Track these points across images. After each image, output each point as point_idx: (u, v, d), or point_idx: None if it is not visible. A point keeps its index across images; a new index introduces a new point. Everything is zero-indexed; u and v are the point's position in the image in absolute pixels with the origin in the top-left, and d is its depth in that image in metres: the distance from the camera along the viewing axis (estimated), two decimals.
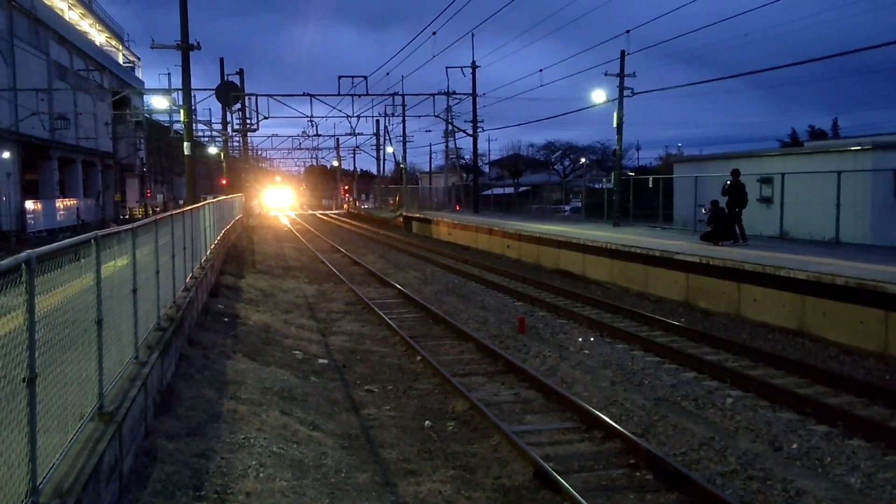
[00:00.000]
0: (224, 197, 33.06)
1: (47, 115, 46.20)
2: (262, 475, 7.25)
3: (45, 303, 5.10)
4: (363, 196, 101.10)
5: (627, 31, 29.56)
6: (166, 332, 9.90)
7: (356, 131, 51.07)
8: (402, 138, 64.01)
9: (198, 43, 25.33)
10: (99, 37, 69.41)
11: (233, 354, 12.30)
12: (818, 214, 22.74)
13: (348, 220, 67.21)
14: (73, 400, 5.68)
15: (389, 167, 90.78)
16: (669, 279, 19.70)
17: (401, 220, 55.60)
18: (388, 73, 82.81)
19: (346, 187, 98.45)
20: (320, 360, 13.61)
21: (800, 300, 15.23)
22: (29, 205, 42.50)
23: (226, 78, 35.65)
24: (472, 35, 46.70)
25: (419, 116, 52.22)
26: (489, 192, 63.84)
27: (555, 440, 9.42)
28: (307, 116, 45.62)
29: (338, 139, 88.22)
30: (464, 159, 69.50)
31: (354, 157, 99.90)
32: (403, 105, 52.58)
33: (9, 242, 34.30)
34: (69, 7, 61.67)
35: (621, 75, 30.35)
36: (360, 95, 42.78)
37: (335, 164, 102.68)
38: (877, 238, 21.76)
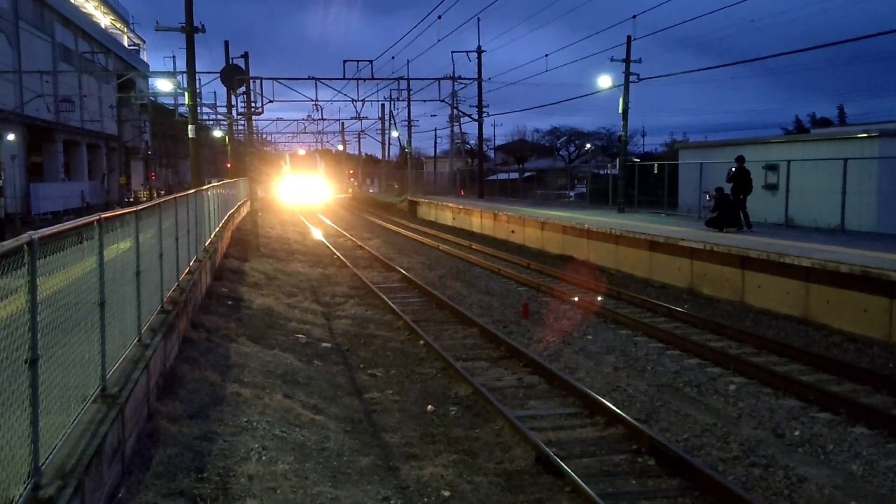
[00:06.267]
0: (229, 180, 33.04)
1: (52, 97, 46.16)
2: (264, 458, 7.28)
3: (48, 284, 5.10)
4: (368, 181, 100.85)
5: (634, 17, 29.41)
6: (169, 314, 9.90)
7: (361, 116, 50.87)
8: (407, 123, 63.91)
9: (202, 25, 25.29)
10: (104, 19, 69.20)
11: (236, 338, 12.33)
12: (824, 202, 22.65)
13: (353, 205, 67.14)
14: (75, 382, 5.69)
15: (394, 152, 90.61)
16: (674, 265, 19.66)
17: (405, 204, 55.54)
18: (393, 58, 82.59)
19: (352, 172, 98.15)
20: (324, 344, 13.63)
21: (804, 287, 15.19)
22: (34, 187, 42.56)
23: (231, 61, 35.60)
24: (478, 19, 46.56)
25: (424, 101, 51.77)
26: (494, 177, 63.72)
27: (557, 425, 9.43)
28: (312, 100, 45.44)
29: (343, 123, 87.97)
30: (469, 144, 69.31)
31: (360, 141, 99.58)
32: (409, 89, 52.42)
33: (14, 224, 34.35)
34: None
35: (627, 61, 30.17)
36: (365, 80, 42.67)
37: (340, 148, 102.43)
38: (883, 226, 21.66)
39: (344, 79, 41.98)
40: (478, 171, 52.66)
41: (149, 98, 62.44)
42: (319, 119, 59.98)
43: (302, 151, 75.39)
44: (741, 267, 17.05)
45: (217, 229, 21.59)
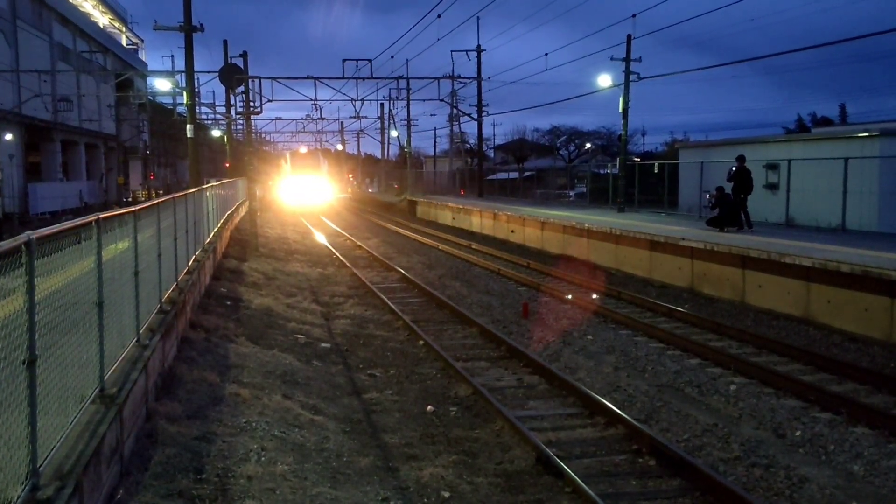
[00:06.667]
0: (227, 180, 33.01)
1: (50, 96, 46.08)
2: (263, 459, 7.25)
3: (46, 285, 5.07)
4: (368, 180, 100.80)
5: (634, 15, 29.35)
6: (168, 314, 9.87)
7: (360, 115, 50.78)
8: (406, 122, 63.87)
9: (201, 25, 25.24)
10: (102, 18, 69.10)
11: (235, 338, 12.29)
12: (824, 201, 22.63)
13: (352, 205, 67.11)
14: (73, 382, 5.66)
15: (394, 151, 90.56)
16: (674, 265, 19.64)
17: (405, 204, 55.51)
18: (392, 57, 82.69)
19: (352, 171, 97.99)
20: (323, 344, 13.60)
21: (805, 287, 15.17)
22: (32, 187, 42.50)
23: (230, 60, 35.56)
24: (478, 18, 46.47)
25: (424, 100, 51.70)
26: (494, 176, 63.72)
27: (557, 426, 9.41)
28: (311, 100, 45.36)
29: (342, 123, 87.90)
30: (468, 143, 69.30)
31: (359, 141, 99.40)
32: (408, 89, 52.35)
33: (11, 224, 34.30)
34: None
35: (627, 60, 30.13)
36: (364, 79, 42.64)
37: (339, 147, 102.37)
38: (883, 225, 21.66)
39: (343, 78, 41.95)
40: (477, 171, 52.64)
41: (147, 97, 62.28)
42: (318, 118, 59.95)
43: (304, 149, 71.29)
44: (742, 266, 17.03)
45: (216, 229, 21.56)
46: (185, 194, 14.17)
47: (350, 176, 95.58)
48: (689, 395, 10.71)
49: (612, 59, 30.55)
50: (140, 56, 79.25)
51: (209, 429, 7.76)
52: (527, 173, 59.82)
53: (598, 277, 21.18)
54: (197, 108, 37.91)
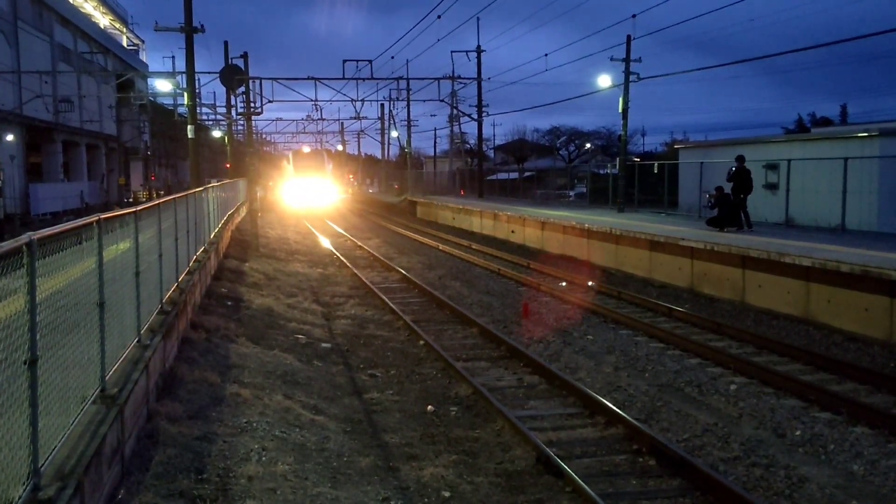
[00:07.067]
0: (228, 181, 33.02)
1: (51, 97, 46.06)
2: (264, 459, 7.26)
3: (47, 285, 5.08)
4: (368, 181, 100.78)
5: (633, 16, 29.39)
6: (169, 315, 9.88)
7: (361, 115, 50.71)
8: (406, 123, 63.85)
9: (202, 25, 25.27)
10: (103, 19, 69.12)
11: (236, 338, 12.30)
12: (824, 201, 22.64)
13: (353, 205, 67.09)
14: (74, 382, 5.68)
15: (394, 152, 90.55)
16: (674, 265, 19.64)
17: (405, 204, 55.49)
18: (392, 57, 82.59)
19: (352, 172, 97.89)
20: (323, 344, 13.62)
21: (804, 287, 15.18)
22: (33, 187, 42.51)
23: (230, 61, 35.62)
24: (478, 19, 46.44)
25: (424, 101, 51.62)
26: (494, 176, 63.72)
27: (557, 425, 9.42)
28: (312, 100, 45.34)
29: (342, 123, 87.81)
30: (469, 144, 69.27)
31: (359, 141, 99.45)
32: (408, 89, 52.30)
33: (13, 225, 34.31)
34: None
35: (627, 60, 30.14)
36: (364, 79, 42.64)
37: (339, 148, 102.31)
38: (883, 225, 21.65)
39: (343, 78, 41.96)
40: (477, 171, 52.64)
41: (148, 98, 62.37)
42: (319, 119, 59.90)
43: (307, 149, 68.36)
44: (742, 266, 17.04)
45: (216, 230, 21.57)
46: (185, 195, 14.18)
47: (351, 176, 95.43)
48: (690, 395, 10.72)
49: (611, 59, 30.57)
50: (141, 57, 79.27)
51: (210, 429, 7.78)
52: (527, 174, 59.83)
53: (598, 277, 21.19)
54: (198, 108, 37.97)
